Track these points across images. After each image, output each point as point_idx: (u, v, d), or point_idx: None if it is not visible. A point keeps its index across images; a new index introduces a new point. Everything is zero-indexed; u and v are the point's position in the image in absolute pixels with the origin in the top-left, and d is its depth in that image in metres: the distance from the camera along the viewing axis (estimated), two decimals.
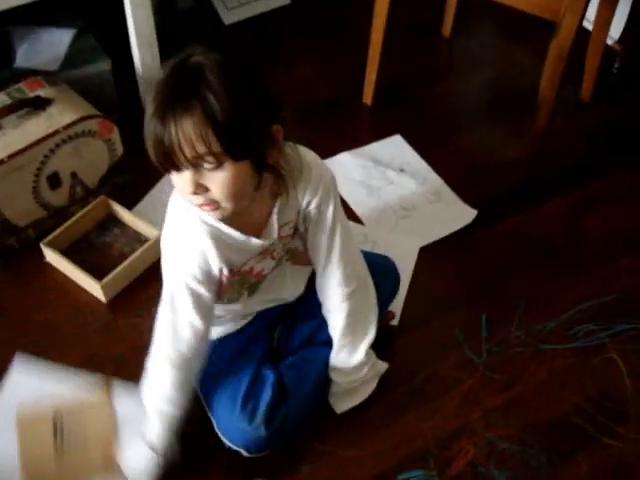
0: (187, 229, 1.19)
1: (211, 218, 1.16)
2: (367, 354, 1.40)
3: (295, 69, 2.15)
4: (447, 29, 2.26)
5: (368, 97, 2.04)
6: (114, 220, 1.75)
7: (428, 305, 1.62)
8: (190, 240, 1.19)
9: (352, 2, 2.32)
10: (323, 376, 1.42)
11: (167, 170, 1.07)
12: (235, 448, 1.33)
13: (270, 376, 1.35)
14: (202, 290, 1.22)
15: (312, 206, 1.26)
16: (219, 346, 1.39)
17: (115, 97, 1.93)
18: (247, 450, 1.33)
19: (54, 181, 1.67)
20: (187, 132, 1.01)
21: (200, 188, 1.07)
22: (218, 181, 1.06)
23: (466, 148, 1.97)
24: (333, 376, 1.42)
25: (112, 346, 1.53)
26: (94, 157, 1.72)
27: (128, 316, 1.59)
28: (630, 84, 2.14)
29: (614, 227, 1.79)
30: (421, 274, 1.67)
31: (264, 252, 1.27)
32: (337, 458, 1.38)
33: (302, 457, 1.38)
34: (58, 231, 1.67)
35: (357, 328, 1.39)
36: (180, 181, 1.08)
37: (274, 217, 1.23)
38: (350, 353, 1.39)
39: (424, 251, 1.71)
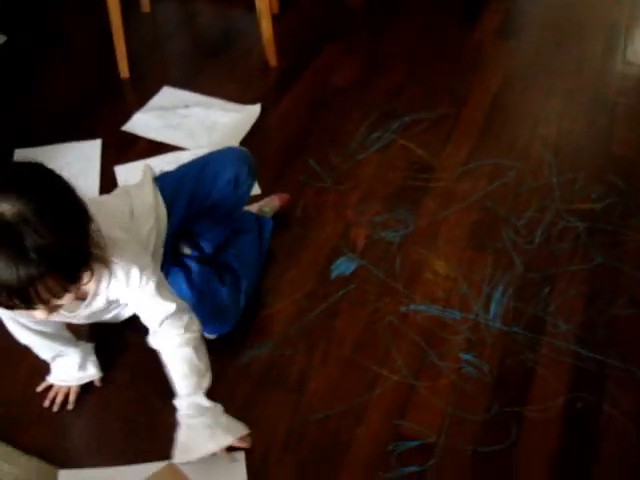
0: None
1: None
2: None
3: (47, 87, 2.44)
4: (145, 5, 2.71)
5: (125, 70, 2.42)
6: None
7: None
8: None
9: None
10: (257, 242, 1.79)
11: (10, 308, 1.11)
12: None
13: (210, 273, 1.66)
14: None
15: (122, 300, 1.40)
16: None
17: None
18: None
19: None
20: (43, 292, 1.09)
21: (51, 310, 1.18)
22: (67, 298, 1.16)
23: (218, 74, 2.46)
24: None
25: None
26: None
27: None
28: None
29: None
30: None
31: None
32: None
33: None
34: None
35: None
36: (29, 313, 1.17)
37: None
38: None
39: (243, 143, 2.17)
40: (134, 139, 2.20)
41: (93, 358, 1.60)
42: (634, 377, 1.60)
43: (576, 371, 1.62)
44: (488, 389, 1.58)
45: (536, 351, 1.65)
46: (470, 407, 1.55)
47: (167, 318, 1.37)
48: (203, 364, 1.43)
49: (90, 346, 1.60)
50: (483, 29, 2.68)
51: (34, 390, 1.59)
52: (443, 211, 1.96)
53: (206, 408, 1.44)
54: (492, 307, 1.72)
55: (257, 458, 1.47)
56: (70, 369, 1.56)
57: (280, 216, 1.92)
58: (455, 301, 1.74)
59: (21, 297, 1.08)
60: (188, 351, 1.40)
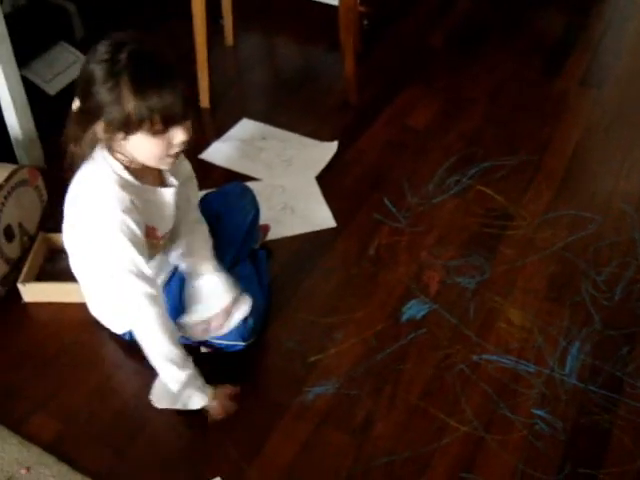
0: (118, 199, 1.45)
1: (128, 186, 1.47)
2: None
3: None
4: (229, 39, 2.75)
5: (206, 101, 2.45)
6: (58, 250, 1.90)
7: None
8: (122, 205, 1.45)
9: None
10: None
11: (166, 130, 1.38)
12: (233, 344, 1.65)
13: None
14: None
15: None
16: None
17: None
18: (244, 340, 1.65)
19: (9, 234, 1.85)
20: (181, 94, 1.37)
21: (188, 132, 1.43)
22: (188, 128, 1.43)
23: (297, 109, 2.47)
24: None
25: None
26: (30, 205, 1.93)
27: None
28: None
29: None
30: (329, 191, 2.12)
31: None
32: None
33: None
34: (22, 275, 1.83)
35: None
36: (177, 136, 1.40)
37: (165, 171, 1.57)
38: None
39: (319, 179, 2.17)
40: (210, 167, 2.22)
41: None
42: None
43: None
44: (561, 448, 1.51)
45: (613, 412, 1.58)
46: (542, 466, 1.48)
47: None
48: None
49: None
50: (566, 77, 2.64)
51: (95, 409, 1.58)
52: (520, 260, 1.91)
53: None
54: (568, 362, 1.66)
55: None
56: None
57: (348, 254, 1.91)
58: (529, 353, 1.68)
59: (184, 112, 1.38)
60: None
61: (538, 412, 1.57)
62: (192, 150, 2.20)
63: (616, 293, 1.82)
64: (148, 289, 1.47)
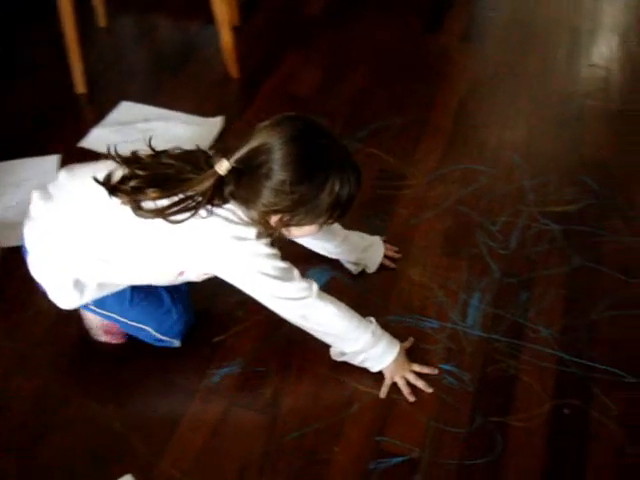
0: None
1: None
2: None
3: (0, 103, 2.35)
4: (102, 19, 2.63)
5: (81, 86, 2.33)
6: None
7: None
8: None
9: None
10: None
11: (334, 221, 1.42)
12: (170, 340, 1.59)
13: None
14: None
15: None
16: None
17: None
18: (182, 333, 1.60)
19: None
20: None
21: None
22: None
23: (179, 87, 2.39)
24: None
25: None
26: None
27: None
28: None
29: None
30: None
31: None
32: None
33: None
34: None
35: None
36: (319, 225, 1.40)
37: None
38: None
39: None
40: (92, 155, 2.11)
41: None
42: (620, 380, 1.56)
43: (560, 377, 1.56)
44: (470, 400, 1.52)
45: (517, 358, 1.59)
46: (453, 419, 1.49)
47: None
48: None
49: None
50: (447, 34, 2.65)
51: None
52: (416, 218, 1.90)
53: None
54: (470, 314, 1.67)
55: None
56: None
57: None
58: (432, 310, 1.68)
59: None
60: None
61: (445, 367, 1.57)
62: (72, 138, 2.15)
63: (511, 241, 1.84)
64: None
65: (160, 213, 1.32)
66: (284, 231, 1.40)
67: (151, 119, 2.26)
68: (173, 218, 1.32)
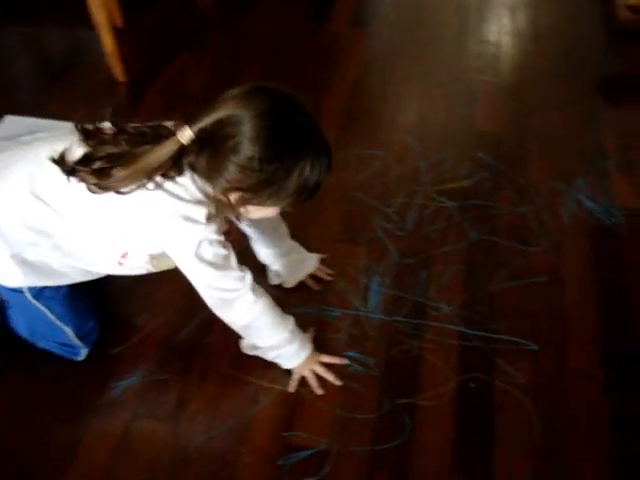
0: None
1: None
2: None
3: None
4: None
5: None
6: None
7: None
8: None
9: None
10: None
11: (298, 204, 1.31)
12: (80, 347, 1.54)
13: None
14: None
15: None
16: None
17: None
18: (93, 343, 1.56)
19: None
20: None
21: None
22: None
23: (66, 95, 2.32)
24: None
25: None
26: None
27: None
28: None
29: None
30: None
31: None
32: None
33: None
34: None
35: None
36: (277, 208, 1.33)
37: None
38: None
39: None
40: None
41: None
42: (522, 349, 1.57)
43: (464, 352, 1.57)
44: (376, 384, 1.51)
45: (421, 338, 1.60)
46: (361, 406, 1.48)
47: None
48: None
49: None
50: (338, 20, 2.64)
51: None
52: (312, 207, 1.88)
53: None
54: (371, 299, 1.66)
55: None
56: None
57: None
58: (332, 298, 1.67)
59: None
60: None
61: (349, 354, 1.56)
62: None
63: (408, 222, 1.84)
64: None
65: (116, 187, 1.26)
66: (241, 210, 1.32)
67: (38, 131, 2.18)
68: (123, 190, 1.25)
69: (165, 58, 2.45)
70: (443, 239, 1.80)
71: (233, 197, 1.28)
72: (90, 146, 1.29)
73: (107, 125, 1.34)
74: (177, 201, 1.27)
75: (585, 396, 1.50)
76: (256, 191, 1.25)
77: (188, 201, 1.27)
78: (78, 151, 1.29)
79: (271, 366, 1.52)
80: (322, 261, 1.72)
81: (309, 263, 1.70)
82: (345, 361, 1.54)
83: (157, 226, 1.31)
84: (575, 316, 1.64)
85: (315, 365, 1.51)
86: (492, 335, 1.60)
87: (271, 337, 1.46)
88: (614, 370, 1.54)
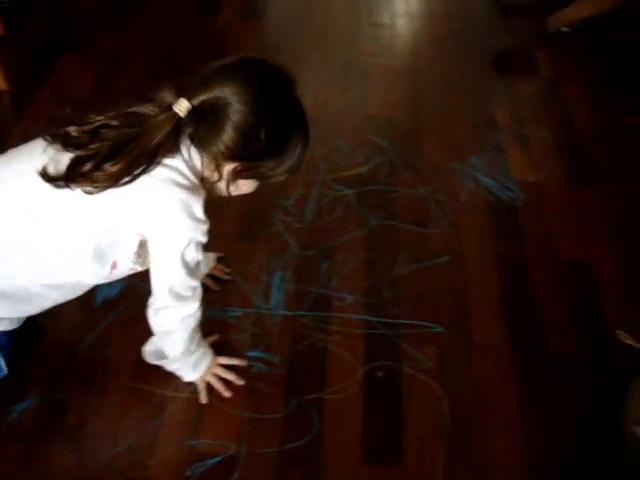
0: None
1: None
2: None
3: None
4: None
5: None
6: None
7: None
8: None
9: None
10: None
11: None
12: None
13: None
14: None
15: None
16: None
17: None
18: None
19: None
20: None
21: None
22: None
23: None
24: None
25: None
26: None
27: None
28: None
29: None
30: None
31: None
32: None
33: None
34: None
35: None
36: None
37: None
38: None
39: None
40: None
41: None
42: (427, 332, 1.57)
43: (370, 340, 1.56)
44: (283, 382, 1.49)
45: (326, 330, 1.58)
46: (267, 406, 1.45)
47: None
48: None
49: None
50: (226, 13, 2.59)
51: None
52: (208, 207, 1.84)
53: None
54: (273, 295, 1.64)
55: None
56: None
57: None
58: (234, 299, 1.63)
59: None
60: None
61: (253, 354, 1.53)
62: None
63: (307, 213, 1.82)
64: None
65: (114, 182, 1.18)
66: (231, 186, 1.29)
67: None
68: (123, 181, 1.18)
69: (50, 63, 2.36)
70: (343, 228, 1.78)
71: (226, 169, 1.25)
72: (73, 150, 1.21)
73: (73, 128, 1.24)
74: (176, 188, 1.22)
75: (493, 374, 1.51)
76: (252, 161, 1.24)
77: (186, 187, 1.23)
78: (64, 159, 1.21)
79: (174, 375, 1.48)
80: (220, 260, 1.68)
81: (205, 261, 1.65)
82: (244, 362, 1.51)
83: (158, 212, 1.24)
84: (476, 292, 1.65)
85: (215, 368, 1.48)
86: (397, 321, 1.59)
87: (183, 347, 1.41)
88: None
